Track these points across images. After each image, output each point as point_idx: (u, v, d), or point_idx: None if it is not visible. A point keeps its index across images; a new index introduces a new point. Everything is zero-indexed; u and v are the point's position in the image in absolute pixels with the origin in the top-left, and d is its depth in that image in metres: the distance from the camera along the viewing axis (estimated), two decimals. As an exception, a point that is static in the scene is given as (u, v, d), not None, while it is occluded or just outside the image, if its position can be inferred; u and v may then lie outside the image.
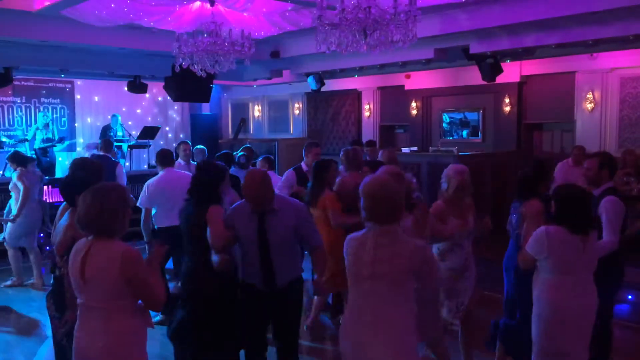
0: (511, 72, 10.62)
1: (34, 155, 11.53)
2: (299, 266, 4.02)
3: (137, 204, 5.92)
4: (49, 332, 3.98)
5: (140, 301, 2.93)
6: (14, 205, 7.31)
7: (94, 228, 2.86)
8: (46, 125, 11.87)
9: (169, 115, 15.56)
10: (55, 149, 12.23)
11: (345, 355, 3.04)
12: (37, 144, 11.71)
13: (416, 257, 2.86)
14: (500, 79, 9.82)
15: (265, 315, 3.89)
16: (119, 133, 12.55)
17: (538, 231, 3.62)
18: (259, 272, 3.77)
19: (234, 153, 7.48)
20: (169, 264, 6.23)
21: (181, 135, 15.61)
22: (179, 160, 7.88)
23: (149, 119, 14.88)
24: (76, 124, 13.89)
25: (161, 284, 3.00)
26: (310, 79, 11.85)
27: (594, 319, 3.66)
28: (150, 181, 6.05)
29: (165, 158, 6.19)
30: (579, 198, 3.58)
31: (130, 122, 14.21)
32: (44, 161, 11.58)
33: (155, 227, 6.00)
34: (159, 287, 2.95)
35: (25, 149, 11.70)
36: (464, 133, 12.17)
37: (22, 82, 12.72)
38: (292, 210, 3.80)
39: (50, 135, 11.88)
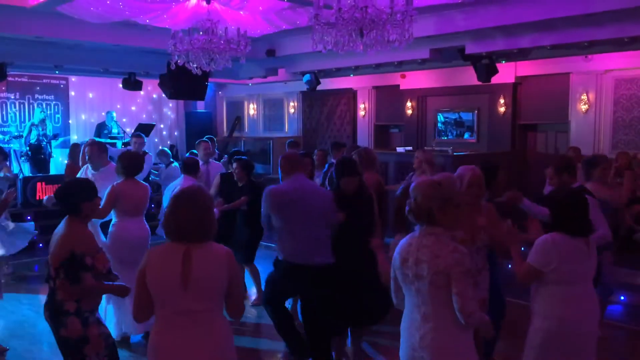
0: (506, 72, 10.65)
1: (28, 152, 11.47)
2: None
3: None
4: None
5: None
6: None
7: (194, 234, 2.84)
8: (42, 122, 11.77)
9: (163, 113, 15.53)
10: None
11: (401, 355, 3.06)
12: (32, 140, 11.61)
13: (451, 258, 2.81)
14: (495, 80, 9.84)
15: None
16: (114, 130, 12.49)
17: (543, 241, 3.40)
18: None
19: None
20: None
21: (176, 133, 15.60)
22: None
23: (144, 116, 14.83)
24: (70, 121, 13.83)
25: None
26: (305, 78, 11.85)
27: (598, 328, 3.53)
28: None
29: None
30: (576, 201, 3.45)
31: (124, 119, 14.17)
32: (37, 158, 11.51)
33: None
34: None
35: (20, 145, 11.65)
36: (459, 133, 12.20)
37: (17, 78, 12.67)
38: None
39: (47, 132, 11.80)
